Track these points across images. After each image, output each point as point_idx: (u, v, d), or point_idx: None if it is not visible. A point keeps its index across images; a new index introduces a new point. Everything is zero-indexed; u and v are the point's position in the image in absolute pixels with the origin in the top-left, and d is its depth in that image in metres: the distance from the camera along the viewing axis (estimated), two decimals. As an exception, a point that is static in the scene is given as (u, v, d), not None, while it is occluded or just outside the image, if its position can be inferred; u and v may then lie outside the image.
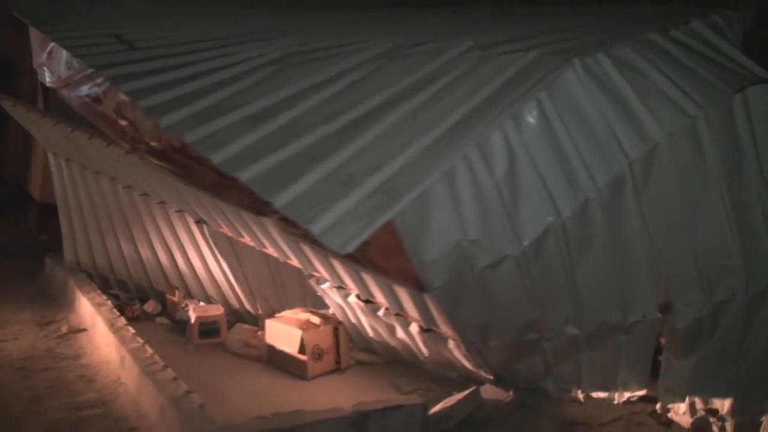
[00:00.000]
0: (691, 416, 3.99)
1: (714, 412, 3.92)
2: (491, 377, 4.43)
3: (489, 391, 4.28)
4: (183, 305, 5.54)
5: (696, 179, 3.11)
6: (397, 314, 3.84)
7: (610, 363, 4.05)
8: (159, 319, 5.73)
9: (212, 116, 3.03)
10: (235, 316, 5.52)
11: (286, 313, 5.14)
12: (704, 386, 3.78)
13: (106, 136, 4.74)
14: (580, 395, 4.36)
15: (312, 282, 4.34)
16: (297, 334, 4.67)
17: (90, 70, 4.41)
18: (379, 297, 3.79)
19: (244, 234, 4.41)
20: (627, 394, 4.19)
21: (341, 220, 2.34)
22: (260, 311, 5.42)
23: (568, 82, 2.83)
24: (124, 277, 6.10)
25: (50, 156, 5.96)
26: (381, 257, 2.87)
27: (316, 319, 4.83)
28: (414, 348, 4.44)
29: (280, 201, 2.47)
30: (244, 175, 2.60)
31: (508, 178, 2.78)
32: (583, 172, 2.92)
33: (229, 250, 4.98)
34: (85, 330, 5.13)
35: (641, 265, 3.27)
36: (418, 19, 4.84)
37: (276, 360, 4.86)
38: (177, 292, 5.69)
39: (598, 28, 3.60)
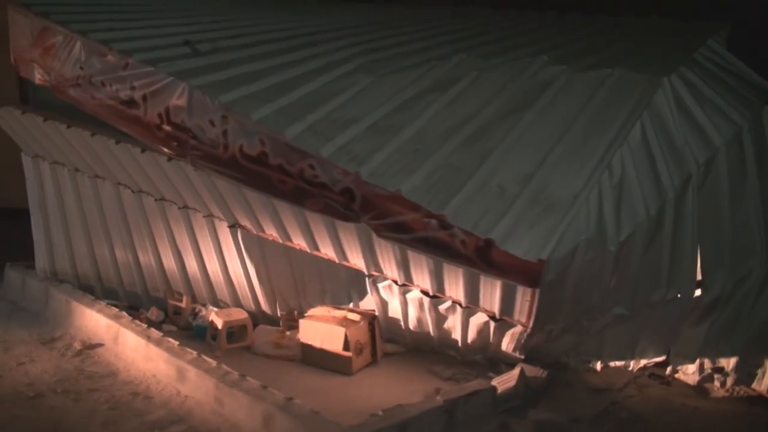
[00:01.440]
0: (699, 375, 4.69)
1: (720, 370, 4.64)
2: (522, 357, 4.87)
3: (527, 370, 4.74)
4: (196, 310, 5.40)
5: (739, 178, 3.70)
6: (466, 307, 4.12)
7: (633, 335, 4.63)
8: (166, 327, 5.51)
9: (334, 129, 3.11)
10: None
11: (315, 312, 5.21)
12: (714, 349, 4.47)
13: (122, 136, 4.51)
14: (599, 365, 4.92)
15: (369, 281, 4.47)
16: (341, 331, 4.79)
17: (122, 72, 4.17)
18: (453, 292, 4.04)
19: (295, 238, 4.43)
20: (643, 361, 4.81)
21: (515, 230, 2.59)
22: (280, 312, 5.42)
23: (660, 100, 3.26)
24: (114, 285, 5.78)
25: (25, 159, 5.46)
26: (507, 257, 3.13)
27: (353, 316, 4.97)
28: (456, 336, 4.74)
29: (449, 213, 2.66)
30: (405, 189, 2.75)
31: (619, 184, 3.17)
32: (666, 175, 3.38)
33: (258, 253, 4.94)
34: (101, 345, 4.86)
35: (689, 249, 3.82)
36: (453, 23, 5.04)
37: (314, 358, 4.93)
38: (185, 298, 5.51)
39: (640, 43, 4.07)
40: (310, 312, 5.29)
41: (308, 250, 4.53)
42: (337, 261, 4.44)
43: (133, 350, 4.56)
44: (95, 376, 4.33)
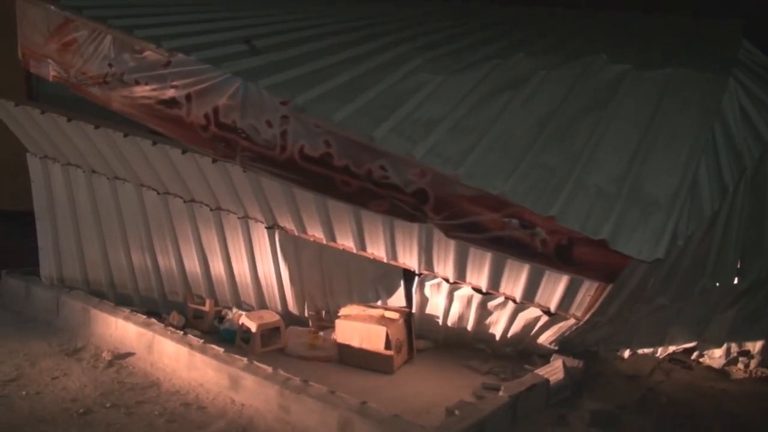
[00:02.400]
0: (726, 359, 4.93)
1: (746, 353, 4.89)
2: (556, 348, 4.98)
3: (565, 361, 4.85)
4: (223, 314, 5.26)
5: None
6: (519, 302, 4.18)
7: (665, 323, 4.81)
8: (189, 331, 5.34)
9: (418, 130, 3.08)
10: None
11: (349, 311, 5.16)
12: (742, 334, 4.69)
13: (157, 137, 4.33)
14: (626, 353, 5.09)
15: (418, 279, 4.46)
16: (382, 330, 4.76)
17: (163, 70, 3.98)
18: (508, 289, 4.08)
19: (342, 239, 4.37)
20: (672, 348, 5.01)
21: (621, 230, 2.64)
22: (308, 312, 5.35)
23: (725, 100, 3.37)
24: (129, 290, 5.55)
25: (32, 160, 5.15)
26: (590, 255, 3.18)
27: (391, 314, 4.96)
28: (495, 330, 4.81)
29: (557, 215, 2.68)
30: (509, 192, 2.75)
31: (694, 180, 3.26)
32: (727, 171, 3.50)
33: (292, 254, 4.85)
34: (132, 354, 4.66)
35: (735, 240, 3.98)
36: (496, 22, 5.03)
37: (352, 358, 4.89)
38: (209, 302, 5.35)
39: (677, 41, 4.20)
40: (343, 311, 5.24)
41: (353, 251, 4.47)
42: (384, 260, 4.40)
43: (173, 359, 4.40)
44: (137, 388, 4.16)
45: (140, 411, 3.84)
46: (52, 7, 4.17)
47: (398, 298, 5.41)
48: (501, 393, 3.93)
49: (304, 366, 4.92)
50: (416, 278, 4.45)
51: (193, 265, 5.25)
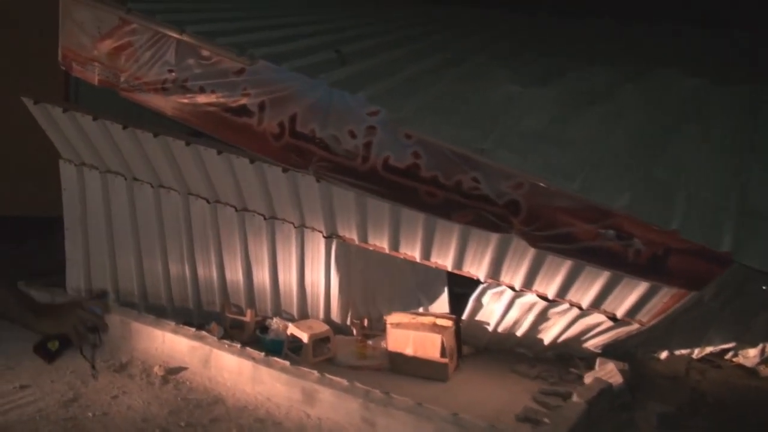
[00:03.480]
0: (760, 358, 5.15)
1: (780, 352, 5.12)
2: (599, 351, 5.11)
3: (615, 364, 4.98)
4: (267, 324, 5.16)
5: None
6: (585, 309, 4.26)
7: (705, 325, 4.99)
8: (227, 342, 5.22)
9: (522, 143, 3.11)
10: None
11: (397, 319, 5.15)
12: (778, 334, 4.91)
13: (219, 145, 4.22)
14: (663, 354, 5.26)
15: (481, 288, 4.49)
16: (437, 338, 4.78)
17: (235, 77, 3.88)
18: (576, 296, 4.16)
19: (407, 248, 4.36)
20: (709, 349, 5.19)
21: (740, 242, 2.74)
22: (351, 320, 5.32)
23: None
24: (163, 301, 5.38)
25: (66, 167, 4.92)
26: (683, 264, 3.28)
27: (443, 321, 4.98)
28: (546, 335, 4.89)
29: (680, 229, 2.76)
30: (627, 206, 2.81)
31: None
32: None
33: (344, 262, 4.80)
34: (185, 368, 4.53)
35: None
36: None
37: (404, 366, 4.89)
38: (249, 312, 5.25)
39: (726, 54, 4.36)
40: (391, 319, 5.22)
41: (414, 260, 4.47)
42: (448, 269, 4.42)
43: (234, 373, 4.29)
44: (203, 404, 4.04)
45: (216, 429, 3.73)
46: (120, 12, 3.98)
47: (441, 305, 5.43)
48: (576, 399, 4.00)
49: (354, 376, 4.90)
50: (480, 286, 4.46)
51: (235, 274, 5.13)
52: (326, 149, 3.78)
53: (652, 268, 3.38)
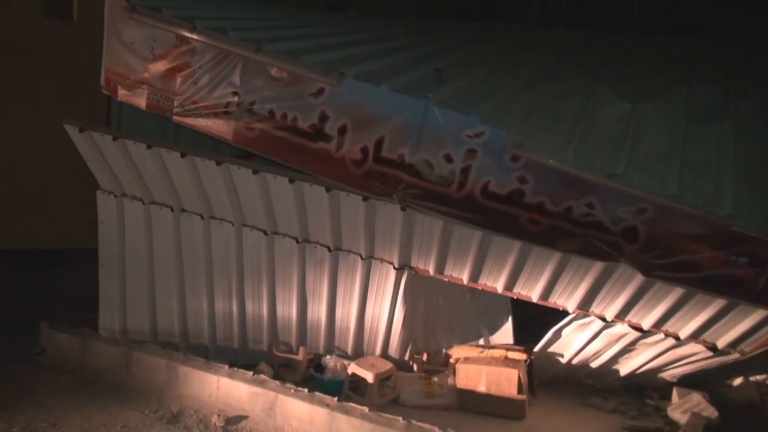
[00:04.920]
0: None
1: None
2: (675, 380, 4.86)
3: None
4: (324, 363, 4.79)
5: None
6: (681, 340, 4.00)
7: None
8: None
9: (652, 165, 2.87)
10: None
11: (464, 353, 4.84)
12: None
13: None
14: (737, 381, 5.03)
15: (569, 319, 4.20)
16: (513, 374, 4.47)
17: (312, 99, 3.57)
18: (675, 327, 3.90)
19: (490, 279, 4.06)
20: (783, 374, 4.98)
21: None
22: (411, 355, 4.97)
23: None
24: (205, 340, 4.97)
25: (105, 199, 4.52)
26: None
27: (514, 354, 4.68)
28: (624, 366, 4.63)
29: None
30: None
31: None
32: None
33: (410, 295, 4.48)
34: (245, 417, 4.13)
35: None
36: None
37: (476, 404, 4.56)
38: (302, 349, 4.87)
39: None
40: (456, 353, 4.91)
41: (495, 291, 4.17)
42: (533, 300, 4.12)
43: (306, 421, 3.91)
44: (285, 458, 3.65)
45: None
46: (185, 29, 3.64)
47: (504, 335, 5.13)
48: (683, 438, 3.73)
49: (422, 416, 4.54)
50: (566, 318, 4.17)
51: (287, 310, 4.77)
52: (416, 175, 3.47)
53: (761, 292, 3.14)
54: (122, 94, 4.11)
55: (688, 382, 4.89)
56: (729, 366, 4.88)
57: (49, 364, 4.94)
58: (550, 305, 4.13)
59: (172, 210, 4.43)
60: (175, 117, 4.00)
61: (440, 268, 4.13)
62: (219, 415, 4.11)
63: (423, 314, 4.90)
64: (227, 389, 4.26)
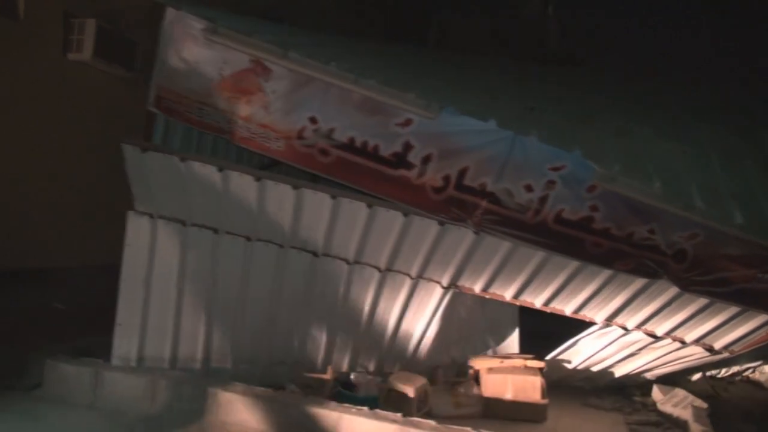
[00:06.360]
0: (774, 373, 5.95)
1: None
2: (654, 379, 5.60)
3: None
4: (353, 380, 4.90)
5: None
6: (686, 344, 4.65)
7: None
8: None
9: (719, 199, 3.42)
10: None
11: (483, 364, 5.18)
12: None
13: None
14: (696, 377, 5.88)
15: (589, 330, 4.69)
16: (537, 380, 4.90)
17: (399, 129, 3.76)
18: (684, 333, 4.53)
19: (533, 296, 4.45)
20: (736, 368, 5.89)
21: None
22: (435, 367, 5.25)
23: None
24: (227, 363, 4.88)
25: (137, 220, 4.32)
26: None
27: (532, 362, 5.11)
28: (620, 368, 5.25)
29: None
30: None
31: None
32: None
33: (448, 312, 4.77)
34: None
35: None
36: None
37: (501, 411, 4.93)
38: (330, 369, 4.95)
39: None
40: (477, 364, 5.23)
41: (533, 306, 4.58)
42: (566, 314, 4.57)
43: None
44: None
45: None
46: (275, 55, 3.62)
47: (510, 345, 5.55)
48: (698, 427, 4.35)
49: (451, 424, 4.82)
50: (591, 328, 4.67)
51: (320, 330, 4.83)
52: (496, 203, 3.78)
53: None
54: (175, 112, 4.00)
55: (663, 379, 5.63)
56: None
57: (49, 398, 4.55)
58: (580, 317, 4.60)
59: (215, 232, 4.33)
60: (238, 140, 3.97)
61: (487, 286, 4.46)
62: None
63: (444, 328, 5.18)
64: (280, 412, 4.24)
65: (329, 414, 4.15)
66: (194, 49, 3.84)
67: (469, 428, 4.04)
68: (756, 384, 6.22)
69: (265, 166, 4.78)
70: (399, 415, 4.15)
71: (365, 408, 4.23)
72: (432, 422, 4.07)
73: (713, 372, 5.95)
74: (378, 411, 4.20)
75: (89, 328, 5.43)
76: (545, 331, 5.39)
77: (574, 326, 5.06)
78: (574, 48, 10.27)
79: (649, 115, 4.53)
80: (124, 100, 6.53)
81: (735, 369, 5.92)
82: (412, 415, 4.53)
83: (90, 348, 4.95)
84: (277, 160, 4.22)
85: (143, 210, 4.29)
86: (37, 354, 4.81)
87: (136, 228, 4.33)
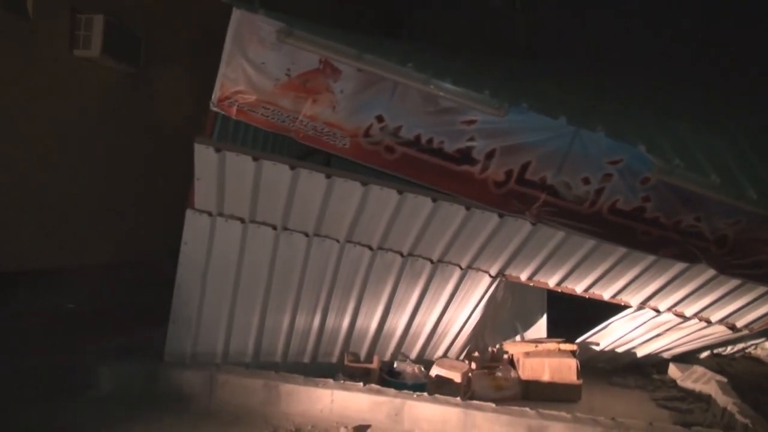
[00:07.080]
0: (775, 349, 6.40)
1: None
2: (670, 358, 5.96)
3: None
4: (397, 368, 5.08)
5: None
6: (711, 323, 5.00)
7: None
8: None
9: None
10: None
11: (518, 349, 5.43)
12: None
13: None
14: (704, 354, 6.28)
15: (623, 313, 4.99)
16: (573, 363, 5.19)
17: (464, 126, 3.94)
18: (711, 313, 4.87)
19: (575, 282, 4.70)
20: (741, 346, 6.30)
21: None
22: (470, 354, 5.47)
23: None
24: (276, 357, 4.99)
25: (197, 218, 4.37)
26: None
27: (565, 346, 5.39)
28: (642, 348, 5.59)
29: None
30: None
31: None
32: None
33: (491, 299, 4.99)
34: (368, 426, 4.32)
35: None
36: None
37: (539, 392, 5.20)
38: (376, 358, 5.12)
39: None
40: (512, 349, 5.48)
41: (573, 293, 4.83)
42: (604, 299, 4.85)
43: (437, 422, 4.21)
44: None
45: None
46: (350, 57, 3.74)
47: (538, 330, 5.82)
48: (725, 398, 4.68)
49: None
50: (625, 311, 4.96)
51: (367, 321, 4.99)
52: (554, 195, 4.00)
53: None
54: (240, 112, 4.07)
55: (677, 358, 6.00)
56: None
57: (105, 398, 4.57)
58: (616, 301, 4.89)
59: (275, 228, 4.43)
60: (302, 138, 4.08)
61: (533, 274, 4.69)
62: (346, 427, 4.24)
63: (484, 316, 5.40)
64: (343, 402, 4.38)
65: (392, 401, 4.32)
66: (262, 50, 3.92)
67: (527, 408, 4.27)
68: (755, 359, 6.67)
69: (300, 157, 4.88)
70: (458, 398, 4.36)
71: (424, 393, 4.42)
72: (492, 404, 4.29)
73: (719, 350, 6.34)
74: (438, 396, 4.39)
75: (115, 327, 5.46)
76: (566, 318, 5.70)
77: (592, 312, 5.38)
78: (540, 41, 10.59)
79: (674, 111, 4.84)
80: (129, 96, 6.49)
81: (740, 346, 6.32)
82: (461, 398, 4.76)
83: (129, 347, 5.00)
84: (311, 150, 4.34)
85: (203, 209, 4.34)
86: (84, 355, 4.83)
87: (195, 226, 4.39)
